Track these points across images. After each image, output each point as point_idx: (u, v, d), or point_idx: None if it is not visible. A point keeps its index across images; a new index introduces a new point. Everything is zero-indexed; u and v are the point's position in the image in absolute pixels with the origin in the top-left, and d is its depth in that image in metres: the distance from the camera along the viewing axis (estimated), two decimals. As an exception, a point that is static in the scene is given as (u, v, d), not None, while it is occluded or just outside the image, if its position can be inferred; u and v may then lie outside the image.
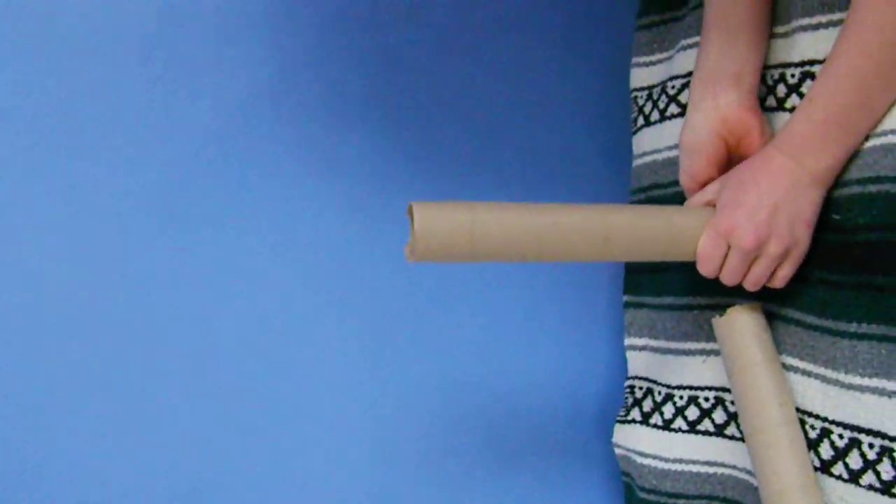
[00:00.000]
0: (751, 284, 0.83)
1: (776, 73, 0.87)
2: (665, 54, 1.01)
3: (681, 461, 0.96)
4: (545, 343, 1.19)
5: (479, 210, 0.76)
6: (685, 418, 0.97)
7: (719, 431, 0.94)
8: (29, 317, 1.02)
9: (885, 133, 0.77)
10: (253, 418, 1.09)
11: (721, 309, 0.89)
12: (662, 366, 1.01)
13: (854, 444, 0.79)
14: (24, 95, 1.02)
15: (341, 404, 1.12)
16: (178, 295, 1.06)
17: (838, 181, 0.80)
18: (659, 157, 1.01)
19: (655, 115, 1.01)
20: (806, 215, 0.80)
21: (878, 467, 0.77)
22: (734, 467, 0.92)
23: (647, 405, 1.02)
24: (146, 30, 1.05)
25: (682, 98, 0.96)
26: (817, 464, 0.82)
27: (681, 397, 0.98)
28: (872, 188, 0.78)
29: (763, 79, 0.88)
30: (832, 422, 0.81)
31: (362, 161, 1.12)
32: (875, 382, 0.77)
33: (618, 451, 1.05)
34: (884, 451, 0.77)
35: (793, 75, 0.85)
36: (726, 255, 0.81)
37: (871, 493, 0.78)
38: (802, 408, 0.84)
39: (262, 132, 1.09)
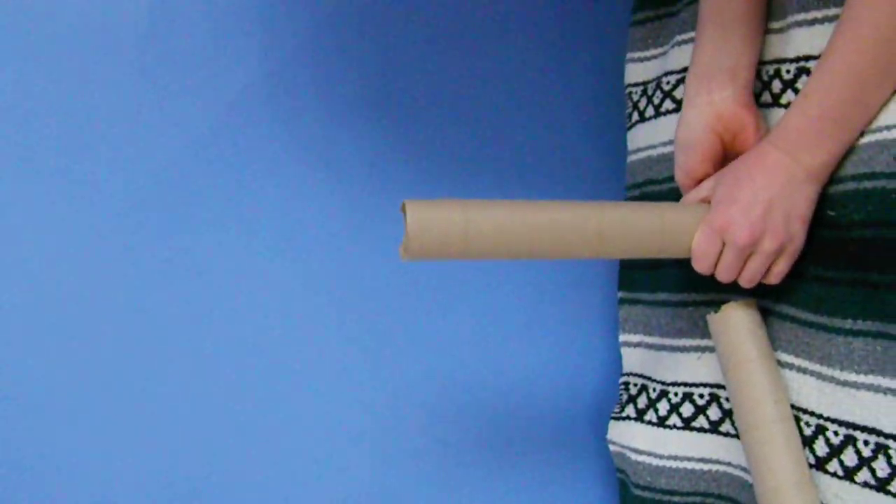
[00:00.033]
0: (746, 281, 0.83)
1: (771, 69, 0.87)
2: (660, 50, 1.01)
3: (675, 458, 0.96)
4: (540, 339, 1.19)
5: (471, 208, 0.76)
6: (680, 415, 0.97)
7: (714, 428, 0.94)
8: (28, 316, 1.02)
9: (880, 129, 0.77)
10: (251, 416, 1.09)
11: (716, 305, 0.89)
12: (657, 362, 1.00)
13: (849, 441, 0.79)
14: (17, 93, 1.01)
15: (339, 400, 1.12)
16: (175, 294, 1.06)
17: (833, 177, 0.80)
18: (654, 152, 1.00)
19: (650, 111, 1.01)
20: (801, 211, 0.80)
21: (874, 464, 0.77)
22: (729, 464, 0.92)
23: (642, 402, 1.01)
24: (140, 27, 1.05)
25: (677, 94, 0.96)
26: (812, 461, 0.82)
27: (675, 394, 0.97)
28: (868, 184, 0.77)
29: (758, 74, 0.87)
30: (827, 419, 0.81)
31: (358, 159, 1.12)
32: (870, 379, 0.77)
33: (612, 447, 1.05)
34: (879, 448, 0.76)
35: (788, 71, 0.85)
36: (721, 252, 0.81)
37: (866, 490, 0.77)
38: (797, 404, 0.84)
39: (257, 130, 1.08)
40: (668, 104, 0.98)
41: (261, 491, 1.09)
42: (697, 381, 0.96)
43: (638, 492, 1.00)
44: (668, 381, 0.98)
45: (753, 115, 0.85)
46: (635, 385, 1.03)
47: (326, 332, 1.11)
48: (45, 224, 1.02)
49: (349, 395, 1.12)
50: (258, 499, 1.09)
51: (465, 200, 0.77)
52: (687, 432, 0.96)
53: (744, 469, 0.90)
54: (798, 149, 0.79)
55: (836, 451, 0.80)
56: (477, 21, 1.17)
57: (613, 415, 1.06)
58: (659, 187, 0.99)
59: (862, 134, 0.78)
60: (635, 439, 1.00)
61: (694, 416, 0.95)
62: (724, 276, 0.82)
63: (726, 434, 0.92)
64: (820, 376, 0.81)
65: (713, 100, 0.85)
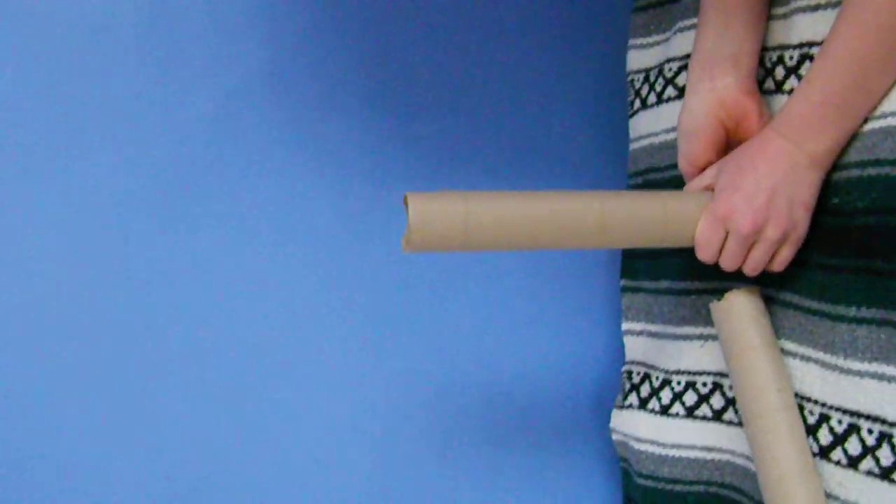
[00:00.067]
0: (750, 269, 0.82)
1: (774, 55, 0.86)
2: (662, 36, 1.00)
3: (678, 447, 0.96)
4: (542, 328, 1.19)
5: (473, 200, 0.76)
6: (683, 403, 0.96)
7: (717, 417, 0.93)
8: (27, 315, 1.01)
9: (884, 115, 0.77)
10: (251, 410, 1.09)
11: (719, 293, 0.88)
12: (660, 351, 1.00)
13: (853, 429, 0.79)
14: (16, 87, 1.01)
15: (341, 389, 1.12)
16: (173, 288, 1.06)
17: (837, 164, 0.80)
18: (656, 140, 1.00)
19: (652, 98, 1.00)
20: (804, 198, 0.79)
21: (878, 453, 0.77)
22: (732, 453, 0.92)
23: (645, 390, 1.01)
24: (139, 21, 1.04)
25: (680, 81, 0.96)
26: (816, 449, 0.82)
27: (678, 382, 0.97)
28: (872, 171, 0.77)
29: (761, 61, 0.87)
30: (831, 407, 0.80)
31: (358, 152, 1.11)
32: (874, 367, 0.76)
33: (615, 436, 1.05)
34: (883, 436, 0.76)
35: (791, 57, 0.85)
36: (725, 241, 0.81)
37: (870, 478, 0.77)
38: (801, 393, 0.83)
39: (256, 124, 1.08)
40: (671, 91, 0.97)
41: (260, 485, 1.09)
42: (700, 369, 0.95)
43: (641, 481, 1.00)
44: (671, 369, 0.98)
45: (756, 102, 0.84)
46: (638, 373, 1.03)
47: (326, 322, 1.11)
48: (44, 223, 1.02)
49: (351, 385, 1.12)
50: (257, 492, 1.09)
51: (467, 192, 0.77)
52: (690, 421, 0.96)
53: (747, 458, 0.90)
54: (801, 136, 0.79)
55: (839, 440, 0.80)
56: (477, 9, 1.16)
57: (616, 403, 1.06)
58: (661, 175, 0.99)
59: (866, 120, 0.78)
60: (638, 428, 1.00)
61: (697, 405, 0.95)
62: (727, 264, 0.82)
63: (729, 423, 0.92)
64: (824, 364, 0.81)
65: (716, 87, 0.84)
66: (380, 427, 1.13)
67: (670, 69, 0.97)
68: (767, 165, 0.79)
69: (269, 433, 1.09)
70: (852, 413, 0.79)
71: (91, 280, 1.03)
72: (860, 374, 0.78)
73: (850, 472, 0.79)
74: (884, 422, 0.76)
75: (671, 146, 0.95)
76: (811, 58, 0.83)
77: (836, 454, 0.80)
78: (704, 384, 0.95)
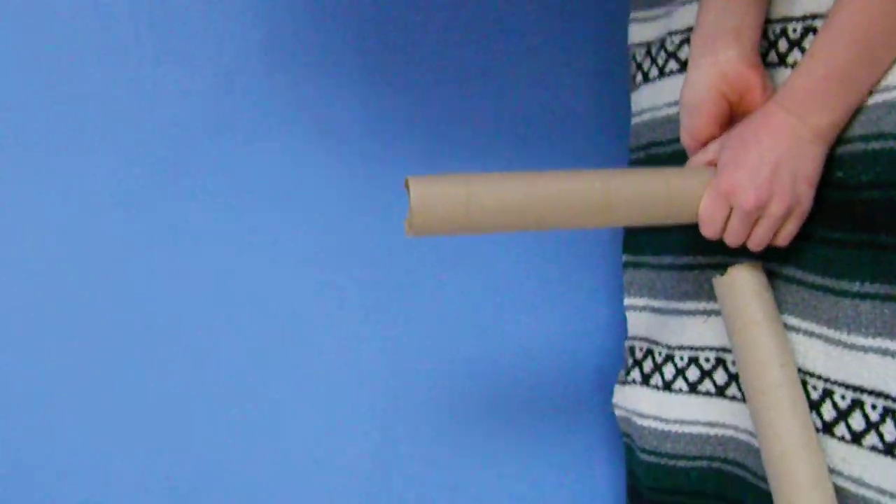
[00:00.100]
0: (754, 245, 0.82)
1: (778, 28, 0.85)
2: (664, 9, 0.99)
3: (681, 422, 0.96)
4: (544, 304, 1.19)
5: (475, 182, 0.76)
6: (686, 379, 0.96)
7: (720, 392, 0.93)
8: (26, 313, 1.01)
9: (889, 89, 0.76)
10: (250, 399, 1.09)
11: (721, 268, 0.88)
12: (663, 326, 1.00)
13: (857, 404, 0.78)
14: (7, 68, 1.00)
15: (343, 371, 1.12)
16: (169, 281, 1.06)
17: (841, 138, 0.79)
18: (658, 114, 0.99)
19: (654, 72, 0.99)
20: (808, 173, 0.79)
21: (881, 428, 0.76)
22: (735, 428, 0.92)
23: (648, 366, 1.01)
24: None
25: (682, 54, 0.95)
26: (819, 425, 0.82)
27: (681, 358, 0.97)
28: (876, 145, 0.76)
29: (764, 33, 0.86)
30: (834, 382, 0.80)
31: (358, 135, 1.11)
32: (878, 342, 0.76)
33: (618, 412, 1.05)
34: (887, 411, 0.76)
35: (794, 30, 0.84)
36: (729, 216, 0.80)
37: (874, 454, 0.77)
38: (804, 368, 0.83)
39: (253, 107, 1.07)
40: (673, 65, 0.96)
41: (259, 481, 1.09)
42: (703, 344, 0.95)
43: (644, 456, 1.00)
44: (674, 344, 0.98)
45: (760, 76, 0.83)
46: (641, 349, 1.03)
47: (331, 303, 1.11)
48: (40, 217, 1.01)
49: (353, 361, 1.12)
50: (256, 485, 1.09)
51: (469, 175, 0.77)
52: (693, 396, 0.96)
53: (750, 433, 0.90)
54: (805, 109, 0.78)
55: (843, 415, 0.80)
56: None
57: (619, 379, 1.06)
58: (664, 149, 0.98)
59: (870, 93, 0.77)
60: (641, 403, 1.00)
61: (700, 380, 0.95)
62: (732, 240, 0.82)
63: (732, 398, 0.92)
64: (827, 339, 0.81)
65: (718, 60, 0.84)
66: (381, 403, 1.13)
67: (672, 42, 0.96)
68: (771, 140, 0.78)
69: (269, 421, 1.09)
70: (856, 388, 0.78)
71: (86, 270, 1.03)
72: (864, 349, 0.77)
73: (854, 447, 0.79)
74: (888, 397, 0.76)
75: (673, 120, 0.95)
76: (815, 30, 0.82)
77: (840, 430, 0.80)
78: (707, 360, 0.94)
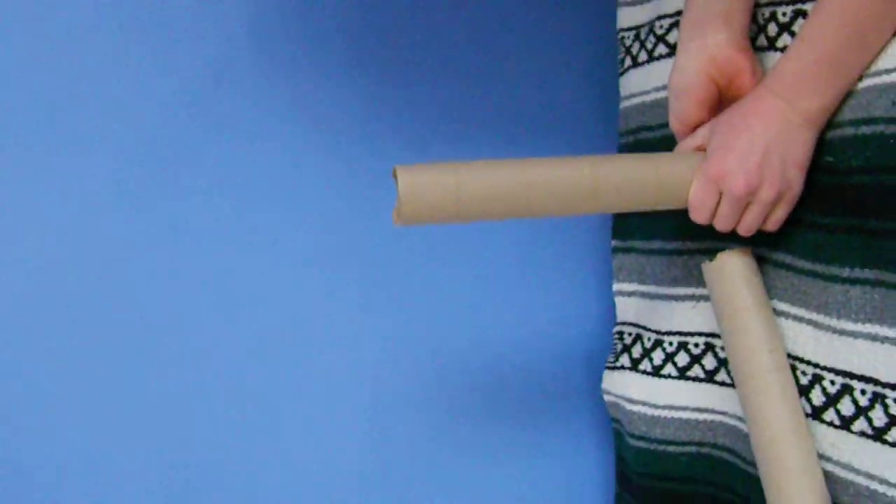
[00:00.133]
0: (744, 230, 0.82)
1: (767, 12, 0.85)
2: (653, -7, 0.99)
3: (671, 407, 0.96)
4: (533, 289, 1.18)
5: (463, 171, 0.76)
6: (675, 364, 0.96)
7: (709, 377, 0.93)
8: (25, 313, 1.00)
9: (878, 73, 0.76)
10: (248, 394, 1.08)
11: (711, 253, 0.88)
12: (652, 311, 1.00)
13: (846, 390, 0.78)
14: (7, 68, 0.99)
15: (336, 354, 1.11)
16: (168, 284, 1.05)
17: (831, 122, 0.79)
18: (647, 98, 0.99)
19: (643, 56, 0.99)
20: (798, 158, 0.79)
21: (871, 413, 0.76)
22: (725, 413, 0.92)
23: (637, 351, 1.01)
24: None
25: (671, 38, 0.94)
26: (809, 410, 0.82)
27: (670, 343, 0.97)
28: (866, 129, 0.76)
29: (754, 17, 0.85)
30: (824, 368, 0.80)
31: (347, 123, 1.10)
32: (868, 328, 0.76)
33: (607, 397, 1.05)
34: (876, 397, 0.76)
35: (784, 14, 0.83)
36: (718, 202, 0.80)
37: (863, 439, 0.77)
38: (794, 353, 0.83)
39: (244, 96, 1.06)
40: (662, 49, 0.96)
41: (257, 474, 1.09)
42: (692, 330, 0.95)
43: (633, 441, 1.00)
44: (663, 330, 0.98)
45: (749, 59, 0.83)
46: (629, 334, 1.03)
47: (322, 293, 1.10)
48: (37, 215, 1.00)
49: (344, 350, 1.12)
50: (254, 476, 1.09)
51: (457, 163, 0.77)
52: (682, 382, 0.96)
53: (740, 418, 0.90)
54: (794, 94, 0.78)
55: (832, 401, 0.80)
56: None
57: (608, 364, 1.05)
58: (653, 134, 0.98)
59: (860, 78, 0.77)
60: (630, 389, 1.00)
61: (689, 366, 0.95)
62: (721, 225, 0.81)
63: (722, 383, 0.92)
64: (817, 325, 0.81)
65: (707, 44, 0.83)
66: (372, 392, 1.13)
67: (661, 26, 0.96)
68: (760, 124, 0.78)
69: (267, 419, 1.09)
70: (845, 374, 0.78)
71: (85, 270, 1.02)
72: (854, 334, 0.77)
73: (843, 432, 0.79)
74: (877, 382, 0.76)
75: (662, 104, 0.94)
76: (804, 14, 0.82)
77: (829, 415, 0.80)
78: (696, 345, 0.94)
